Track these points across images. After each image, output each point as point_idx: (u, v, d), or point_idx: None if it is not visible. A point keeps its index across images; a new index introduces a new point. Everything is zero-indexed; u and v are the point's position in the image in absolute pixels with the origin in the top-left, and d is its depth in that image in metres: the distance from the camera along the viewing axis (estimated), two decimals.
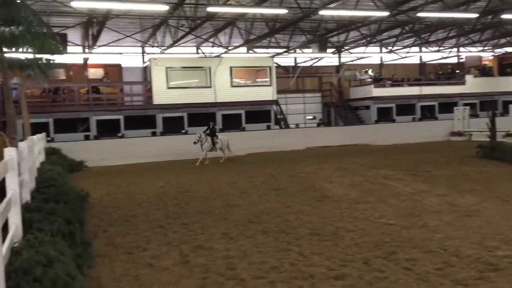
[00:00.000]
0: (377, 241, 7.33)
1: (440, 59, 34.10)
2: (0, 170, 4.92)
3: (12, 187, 5.77)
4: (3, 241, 4.62)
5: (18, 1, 6.93)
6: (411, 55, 32.69)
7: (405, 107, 29.22)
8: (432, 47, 31.20)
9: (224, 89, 25.40)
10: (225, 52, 26.14)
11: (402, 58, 32.37)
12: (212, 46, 27.23)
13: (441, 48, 30.92)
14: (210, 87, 25.24)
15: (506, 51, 33.13)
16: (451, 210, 9.36)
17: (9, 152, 5.99)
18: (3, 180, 5.52)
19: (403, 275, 5.86)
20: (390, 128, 27.07)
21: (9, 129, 11.38)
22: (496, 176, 13.36)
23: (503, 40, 30.47)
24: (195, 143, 19.33)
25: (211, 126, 20.26)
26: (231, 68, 25.73)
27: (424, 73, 34.17)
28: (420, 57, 34.91)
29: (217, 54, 26.32)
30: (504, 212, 8.97)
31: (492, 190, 11.07)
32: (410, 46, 30.27)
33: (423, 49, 32.41)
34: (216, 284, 5.80)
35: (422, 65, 35.37)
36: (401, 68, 34.10)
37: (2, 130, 10.62)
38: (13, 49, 13.05)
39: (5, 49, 11.95)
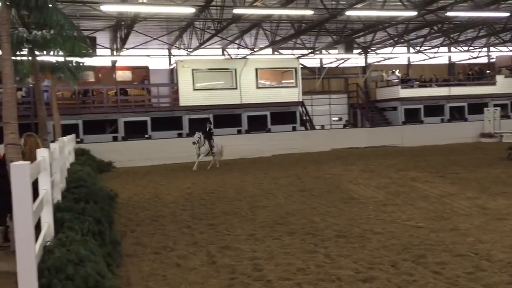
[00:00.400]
0: (406, 244, 7.23)
1: (470, 59, 33.41)
2: (33, 171, 5.04)
3: (44, 187, 5.92)
4: (36, 239, 4.73)
5: (50, 5, 7.09)
6: (440, 55, 32.11)
7: (434, 108, 28.73)
8: (461, 47, 30.60)
9: (249, 91, 25.45)
10: (251, 54, 26.21)
11: (430, 58, 31.84)
12: (238, 48, 27.36)
13: (470, 48, 30.29)
14: (235, 88, 25.33)
15: None
16: (481, 213, 9.15)
17: (42, 153, 6.14)
18: (36, 180, 5.65)
19: (432, 279, 5.76)
20: (418, 129, 26.64)
21: (40, 130, 11.66)
22: None
23: None
24: (194, 143, 18.12)
25: (207, 128, 18.79)
26: (256, 69, 25.76)
27: (453, 74, 33.55)
28: (449, 57, 34.28)
29: (243, 55, 26.41)
30: None
31: None
32: (439, 46, 29.75)
33: (452, 49, 31.81)
34: (243, 285, 5.81)
35: (451, 65, 34.73)
36: (429, 69, 33.57)
37: (34, 131, 10.88)
38: (44, 52, 13.38)
39: (36, 52, 12.26)
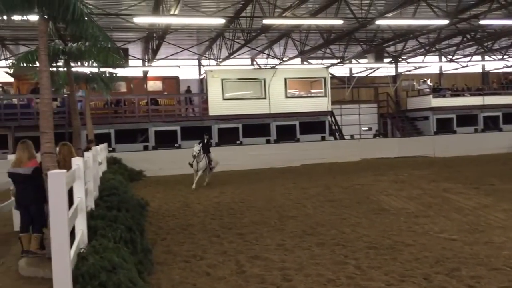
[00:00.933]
0: (438, 256, 7.08)
1: (504, 67, 32.62)
2: (69, 179, 5.18)
3: (79, 195, 6.06)
4: (71, 246, 4.84)
5: (86, 18, 7.31)
6: (473, 64, 31.48)
7: (467, 118, 28.11)
8: (495, 55, 29.91)
9: (278, 100, 25.47)
10: (280, 64, 26.29)
11: (463, 67, 31.23)
12: (267, 58, 27.50)
13: (505, 56, 29.57)
14: (264, 98, 25.40)
15: None
16: None
17: (76, 162, 6.30)
18: (71, 188, 5.80)
19: None
20: (451, 139, 26.09)
21: (75, 139, 11.95)
22: None
23: None
24: (194, 157, 15.87)
25: (205, 140, 16.53)
26: (285, 79, 25.77)
27: (486, 83, 32.80)
28: (483, 66, 33.56)
29: (272, 65, 26.50)
30: None
31: None
32: (472, 55, 29.17)
33: (486, 57, 31.13)
34: None
35: (485, 74, 33.98)
36: (461, 78, 32.93)
37: (68, 140, 11.17)
38: (79, 63, 13.76)
39: (72, 64, 12.61)
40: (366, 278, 6.26)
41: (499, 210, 10.23)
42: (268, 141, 25.03)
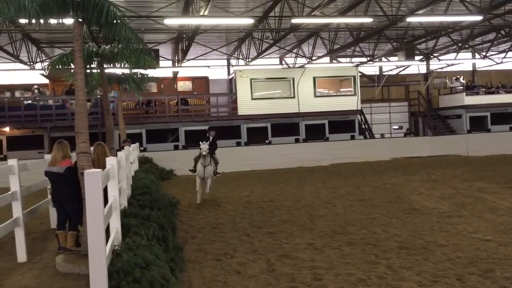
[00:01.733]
0: (472, 257, 6.95)
1: None
2: (104, 178, 5.33)
3: (113, 194, 6.22)
4: (106, 243, 4.98)
5: (119, 21, 7.49)
6: (508, 61, 30.63)
7: (502, 116, 27.41)
8: None
9: (307, 99, 25.42)
10: (309, 63, 26.22)
11: (497, 64, 30.43)
12: (296, 57, 27.46)
13: None
14: (293, 97, 25.38)
15: None
16: None
17: (110, 161, 6.47)
18: (105, 187, 5.96)
19: None
20: (485, 138, 25.46)
21: (108, 139, 12.23)
22: None
23: None
24: (204, 156, 12.53)
25: (211, 138, 13.17)
26: (314, 78, 25.70)
27: None
28: None
29: (301, 64, 26.45)
30: None
31: None
32: (507, 51, 28.40)
33: None
34: None
35: None
36: (496, 75, 32.11)
37: (101, 140, 11.44)
38: (111, 65, 14.07)
39: (104, 65, 12.92)
40: (397, 278, 6.20)
41: None
42: (297, 141, 25.01)
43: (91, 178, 4.66)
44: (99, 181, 4.70)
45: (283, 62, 29.01)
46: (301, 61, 27.13)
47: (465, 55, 30.14)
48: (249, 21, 17.50)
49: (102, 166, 6.78)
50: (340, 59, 28.46)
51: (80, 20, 7.28)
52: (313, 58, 26.22)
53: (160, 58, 24.08)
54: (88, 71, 13.21)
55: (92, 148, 7.91)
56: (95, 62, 12.74)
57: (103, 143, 8.73)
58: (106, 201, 5.80)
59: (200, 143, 12.76)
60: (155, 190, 10.60)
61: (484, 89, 29.24)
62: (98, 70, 13.27)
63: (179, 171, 20.22)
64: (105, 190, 5.98)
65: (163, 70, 25.32)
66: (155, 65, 16.27)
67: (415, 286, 5.89)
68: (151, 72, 18.95)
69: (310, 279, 6.30)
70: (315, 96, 25.69)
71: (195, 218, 10.89)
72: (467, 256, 7.02)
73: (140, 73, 17.90)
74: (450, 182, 14.78)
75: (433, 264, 6.73)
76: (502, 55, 28.89)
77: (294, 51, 26.48)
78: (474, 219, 9.55)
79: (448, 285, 5.87)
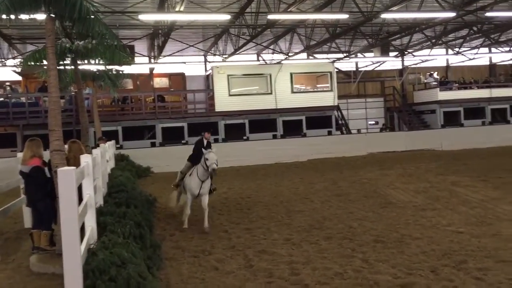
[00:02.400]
0: (446, 249, 7.09)
1: None
2: (78, 176, 5.25)
3: (88, 192, 6.14)
4: (80, 242, 4.92)
5: (92, 16, 7.37)
6: (480, 57, 31.27)
7: (474, 111, 27.98)
8: (502, 47, 29.70)
9: (284, 95, 25.49)
10: (286, 59, 26.27)
11: (470, 59, 31.04)
12: (273, 53, 27.49)
13: None
14: (270, 93, 25.43)
15: None
16: None
17: (85, 159, 6.38)
18: (80, 185, 5.87)
19: (473, 285, 5.65)
20: (458, 132, 25.97)
21: (83, 137, 12.06)
22: None
23: None
24: (214, 171, 9.21)
25: (205, 142, 10.01)
26: (291, 74, 25.79)
27: (494, 75, 32.59)
28: (490, 58, 33.33)
29: (278, 60, 26.50)
30: None
31: None
32: (479, 47, 28.99)
33: (493, 49, 30.90)
34: None
35: (492, 67, 33.75)
36: (468, 70, 32.74)
37: (76, 138, 11.27)
38: (86, 61, 13.86)
39: (78, 62, 12.72)
40: (373, 271, 6.29)
41: (507, 203, 10.20)
42: (274, 136, 25.08)
43: (65, 176, 4.59)
44: (73, 179, 4.63)
45: (260, 58, 29.01)
46: (278, 57, 27.17)
47: (439, 51, 30.63)
48: (225, 17, 17.43)
49: (78, 164, 6.68)
50: (316, 55, 28.60)
51: (53, 15, 7.14)
52: (290, 54, 26.28)
53: (136, 55, 23.81)
54: (62, 67, 12.98)
55: (66, 146, 7.79)
56: (69, 58, 12.53)
57: (78, 140, 8.61)
58: (81, 199, 5.73)
59: (204, 151, 9.37)
60: (132, 188, 10.50)
61: (457, 84, 29.78)
62: (72, 67, 13.05)
63: (157, 168, 20.09)
64: (80, 189, 5.90)
65: (139, 66, 25.04)
66: (130, 61, 16.08)
67: (390, 278, 5.98)
68: (127, 69, 18.74)
69: (287, 274, 6.34)
70: (292, 92, 25.78)
71: (173, 215, 10.82)
72: (441, 248, 7.16)
73: (115, 70, 17.67)
74: (425, 176, 15.03)
75: (408, 256, 6.85)
76: (475, 51, 29.46)
77: (271, 47, 26.50)
78: (447, 212, 9.75)
79: (422, 277, 5.98)
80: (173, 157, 21.30)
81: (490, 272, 6.03)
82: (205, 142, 10.04)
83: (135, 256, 5.59)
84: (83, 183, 6.11)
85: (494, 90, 28.58)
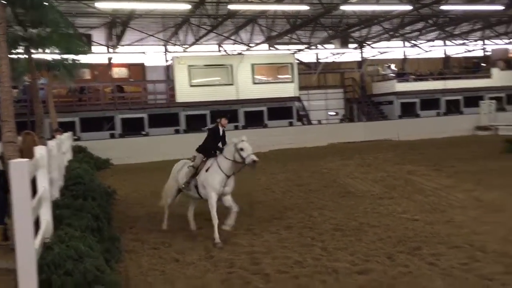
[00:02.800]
0: (401, 236, 7.31)
1: (466, 52, 33.50)
2: (32, 168, 5.09)
3: (42, 184, 5.96)
4: (35, 236, 4.78)
5: (46, 3, 7.13)
6: (435, 49, 32.18)
7: (430, 102, 28.81)
8: (456, 40, 30.67)
9: (246, 86, 25.48)
10: (247, 50, 26.24)
11: (426, 52, 31.90)
12: (234, 44, 27.39)
13: (466, 41, 30.36)
14: (232, 84, 25.36)
15: None
16: (477, 205, 9.24)
17: (39, 151, 6.18)
18: (34, 178, 5.70)
19: (427, 270, 5.85)
20: (414, 123, 26.72)
21: (38, 128, 11.70)
22: None
23: None
24: (254, 162, 7.84)
25: (221, 130, 8.64)
26: (252, 65, 25.78)
27: (448, 67, 33.64)
28: (444, 50, 34.36)
29: (239, 51, 26.44)
30: None
31: None
32: (434, 40, 29.81)
33: (448, 42, 31.87)
34: (241, 278, 5.89)
35: (447, 59, 34.81)
36: (424, 63, 33.64)
37: (30, 129, 10.91)
38: (40, 50, 13.39)
39: (32, 50, 12.28)
40: (332, 259, 6.41)
41: (459, 191, 10.59)
42: (236, 127, 25.04)
43: (17, 168, 4.43)
44: (25, 171, 4.47)
45: (221, 49, 28.84)
46: (239, 48, 27.10)
47: (396, 43, 31.32)
48: (185, 6, 17.22)
49: (31, 156, 6.47)
50: (278, 47, 28.70)
51: (4, 1, 6.86)
52: (251, 45, 26.26)
53: (93, 44, 23.18)
54: (14, 56, 12.50)
55: (20, 138, 7.53)
56: (22, 47, 12.08)
57: (32, 132, 8.34)
58: (35, 192, 5.55)
59: (234, 140, 7.97)
60: (90, 180, 10.27)
61: (413, 76, 30.56)
62: (26, 56, 12.59)
63: (116, 160, 19.74)
64: (35, 181, 5.72)
65: (97, 56, 24.42)
66: (87, 50, 15.66)
67: (348, 266, 6.12)
68: (83, 58, 18.22)
69: (248, 264, 6.38)
70: (254, 83, 25.79)
71: (133, 208, 10.69)
72: (397, 235, 7.38)
73: (72, 59, 17.15)
74: (382, 166, 15.40)
75: (366, 244, 7.02)
76: (430, 43, 30.28)
77: (232, 37, 26.39)
78: (403, 200, 10.03)
79: (379, 264, 6.14)
80: (133, 148, 21.06)
81: (443, 257, 6.26)
82: (221, 130, 8.61)
83: (93, 250, 5.48)
84: (38, 175, 5.92)
85: (448, 82, 29.49)
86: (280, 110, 26.01)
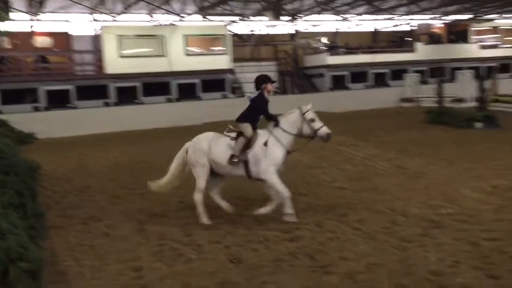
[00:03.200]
0: (330, 204, 7.60)
1: (393, 27, 34.65)
2: None
3: None
4: None
5: None
6: (365, 23, 33.03)
7: (359, 75, 29.72)
8: (384, 14, 31.61)
9: (178, 58, 24.97)
10: (180, 20, 25.62)
11: (356, 26, 32.66)
12: (166, 14, 26.60)
13: (393, 16, 31.37)
14: (164, 56, 24.74)
15: (456, 19, 34.01)
16: (399, 172, 9.77)
17: None
18: None
19: (352, 234, 6.15)
20: (344, 95, 27.52)
21: None
22: (443, 140, 13.94)
23: (452, 8, 31.23)
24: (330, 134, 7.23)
25: (266, 94, 7.71)
26: (185, 36, 25.25)
27: (376, 41, 34.70)
28: (374, 25, 35.34)
29: (171, 22, 25.76)
30: (449, 173, 9.45)
31: (439, 153, 11.58)
32: (363, 14, 30.55)
33: (377, 17, 32.78)
34: (173, 250, 5.90)
35: (375, 33, 35.86)
36: (354, 36, 34.43)
37: None
38: None
39: None
40: (263, 228, 6.56)
41: (384, 159, 11.12)
42: (169, 100, 24.63)
43: None
44: None
45: (153, 19, 27.93)
46: (172, 18, 26.35)
47: (328, 16, 31.77)
48: None
49: None
50: (211, 18, 28.22)
51: None
52: (183, 15, 25.64)
53: (12, 10, 21.61)
54: None
55: None
56: None
57: None
58: None
59: (303, 107, 7.23)
60: (12, 155, 9.76)
61: (344, 49, 31.28)
62: None
63: (42, 134, 18.84)
64: None
65: (17, 23, 22.84)
66: (4, 17, 14.60)
67: (279, 234, 6.28)
68: (1, 26, 17.02)
69: (180, 236, 6.39)
70: (187, 54, 25.32)
71: (60, 183, 10.28)
72: (326, 203, 7.66)
73: None
74: None
75: (297, 212, 7.21)
76: (360, 17, 31.02)
77: (164, 7, 25.59)
78: (332, 169, 10.39)
79: (308, 231, 6.37)
80: (59, 122, 20.15)
81: (366, 222, 6.59)
82: (266, 94, 7.58)
83: (16, 227, 5.26)
84: None
85: (376, 56, 30.48)
86: (214, 83, 25.80)
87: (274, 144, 6.90)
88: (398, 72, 29.66)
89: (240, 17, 26.88)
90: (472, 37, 33.71)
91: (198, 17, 26.80)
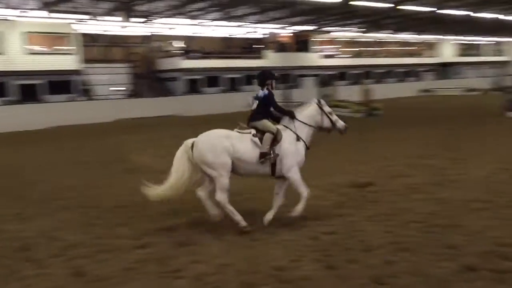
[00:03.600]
0: (179, 208, 7.54)
1: (246, 34, 36.00)
2: None
3: None
4: None
5: None
6: (219, 29, 33.81)
7: (212, 79, 30.33)
8: (237, 22, 32.70)
9: (18, 56, 22.87)
10: (19, 16, 23.44)
11: (212, 31, 33.25)
12: (4, 8, 24.15)
13: (245, 23, 32.62)
14: (1, 54, 22.47)
15: (302, 30, 36.55)
16: None
17: None
18: None
19: (204, 237, 6.21)
20: (198, 99, 27.87)
21: None
22: None
23: (297, 19, 33.52)
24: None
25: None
26: (25, 33, 23.22)
27: (229, 47, 35.75)
28: (228, 31, 36.33)
29: (8, 16, 23.45)
30: None
31: None
32: (217, 20, 31.24)
33: (230, 23, 33.75)
34: (5, 267, 5.36)
35: (229, 39, 36.91)
36: (210, 41, 35.09)
37: None
38: None
39: None
40: (113, 236, 6.29)
41: None
42: (7, 103, 22.44)
43: None
44: None
45: None
46: (11, 13, 23.97)
47: (183, 20, 31.84)
48: None
49: None
50: (59, 15, 26.34)
51: None
52: (24, 10, 23.50)
53: None
54: None
55: None
56: None
57: None
58: None
59: (321, 101, 6.85)
60: None
61: (199, 54, 31.68)
62: None
63: None
64: None
65: None
66: None
67: (129, 241, 6.10)
68: None
69: (14, 251, 5.85)
70: (28, 53, 23.32)
71: None
72: (175, 208, 7.56)
73: None
74: (167, 141, 15.64)
75: (148, 218, 7.07)
76: (214, 23, 31.69)
77: (3, 1, 23.20)
78: None
79: (159, 237, 6.27)
80: None
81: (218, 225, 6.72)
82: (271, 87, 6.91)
83: None
84: None
85: (229, 61, 31.43)
86: (60, 84, 24.18)
87: (294, 142, 6.53)
88: (250, 77, 30.90)
89: (90, 16, 25.56)
90: (313, 47, 36.67)
91: (43, 13, 24.86)
